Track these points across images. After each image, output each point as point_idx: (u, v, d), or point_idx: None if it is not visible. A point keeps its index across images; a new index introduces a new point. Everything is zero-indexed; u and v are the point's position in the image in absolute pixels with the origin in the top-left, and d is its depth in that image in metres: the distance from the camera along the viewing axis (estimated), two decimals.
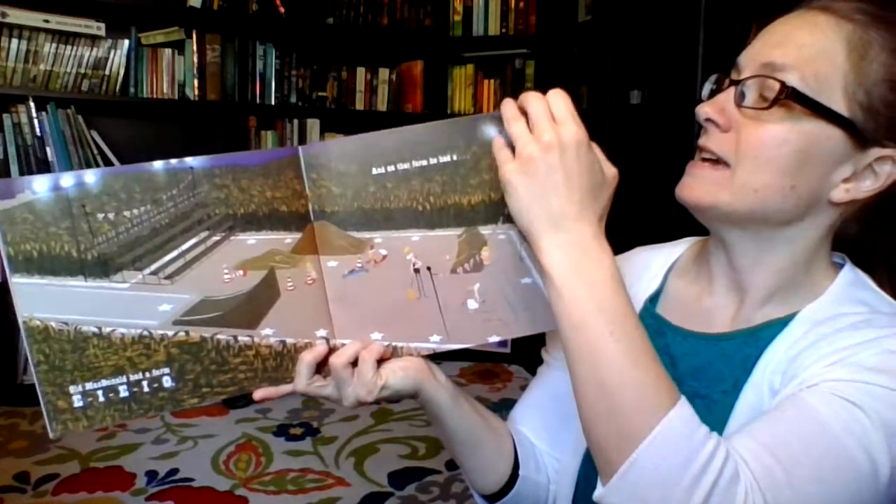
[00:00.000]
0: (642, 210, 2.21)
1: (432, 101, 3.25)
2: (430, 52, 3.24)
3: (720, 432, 0.61)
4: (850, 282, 0.64)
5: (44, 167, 2.51)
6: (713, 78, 0.66)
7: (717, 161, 0.61)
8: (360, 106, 3.14)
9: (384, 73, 3.17)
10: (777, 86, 0.57)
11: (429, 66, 3.23)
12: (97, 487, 1.96)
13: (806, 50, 0.58)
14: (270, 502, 1.92)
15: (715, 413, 0.63)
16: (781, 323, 0.63)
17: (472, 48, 3.27)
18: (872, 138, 0.58)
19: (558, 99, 0.56)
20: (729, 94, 0.61)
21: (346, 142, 0.63)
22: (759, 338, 0.64)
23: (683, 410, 0.51)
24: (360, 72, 3.13)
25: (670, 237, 0.80)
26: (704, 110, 0.62)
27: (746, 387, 0.62)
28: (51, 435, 0.59)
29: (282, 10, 2.84)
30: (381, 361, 0.65)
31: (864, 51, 0.57)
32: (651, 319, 0.72)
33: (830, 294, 0.63)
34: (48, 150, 2.51)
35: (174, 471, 2.07)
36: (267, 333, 0.63)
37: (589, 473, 0.71)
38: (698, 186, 0.62)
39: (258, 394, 0.64)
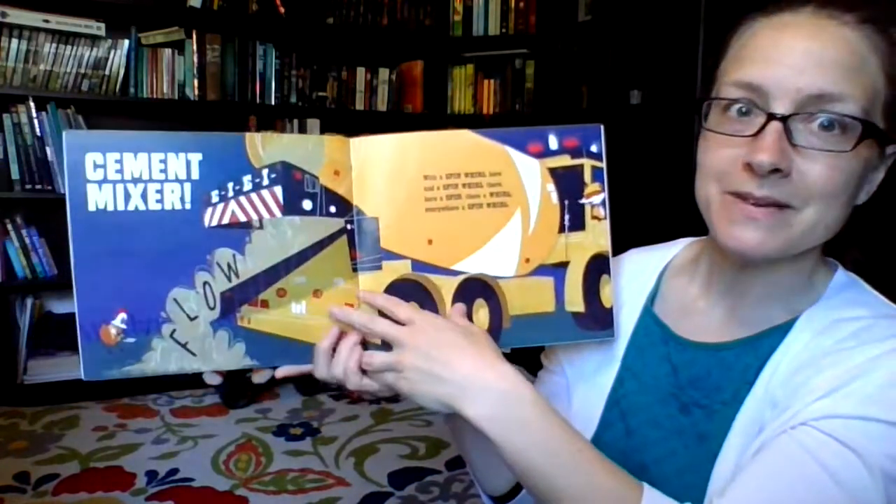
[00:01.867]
0: (641, 209, 2.20)
1: (432, 101, 3.25)
2: (430, 52, 3.24)
3: (720, 443, 0.62)
4: (846, 283, 0.64)
5: (44, 167, 2.51)
6: (707, 105, 0.61)
7: (778, 204, 0.57)
8: (360, 106, 3.14)
9: (384, 73, 3.17)
10: (853, 124, 0.54)
11: (429, 66, 3.22)
12: (97, 487, 1.96)
13: (853, 74, 0.55)
14: (270, 502, 1.92)
15: (715, 423, 0.63)
16: (780, 331, 0.62)
17: (472, 48, 3.26)
18: (890, 139, 0.58)
19: (397, 307, 0.62)
20: (777, 133, 0.55)
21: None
22: (758, 347, 0.63)
23: (650, 501, 0.55)
24: (360, 72, 3.13)
25: (669, 237, 0.80)
26: (767, 161, 0.54)
27: (748, 399, 0.61)
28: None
29: (282, 10, 2.84)
30: None
31: (893, 60, 0.56)
32: (656, 327, 0.72)
33: (828, 297, 0.63)
34: (48, 150, 2.51)
35: (174, 471, 2.07)
36: (299, 282, 0.64)
37: None
38: (764, 237, 0.57)
39: (280, 371, 0.65)
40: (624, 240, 0.82)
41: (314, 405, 2.64)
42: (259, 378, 2.65)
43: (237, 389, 2.62)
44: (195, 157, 0.61)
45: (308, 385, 2.76)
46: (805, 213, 0.56)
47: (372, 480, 2.05)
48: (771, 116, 0.55)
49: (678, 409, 0.67)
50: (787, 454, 0.54)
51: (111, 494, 1.93)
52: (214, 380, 2.62)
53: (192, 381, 2.73)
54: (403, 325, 0.62)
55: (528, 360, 3.20)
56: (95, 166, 0.60)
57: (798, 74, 0.55)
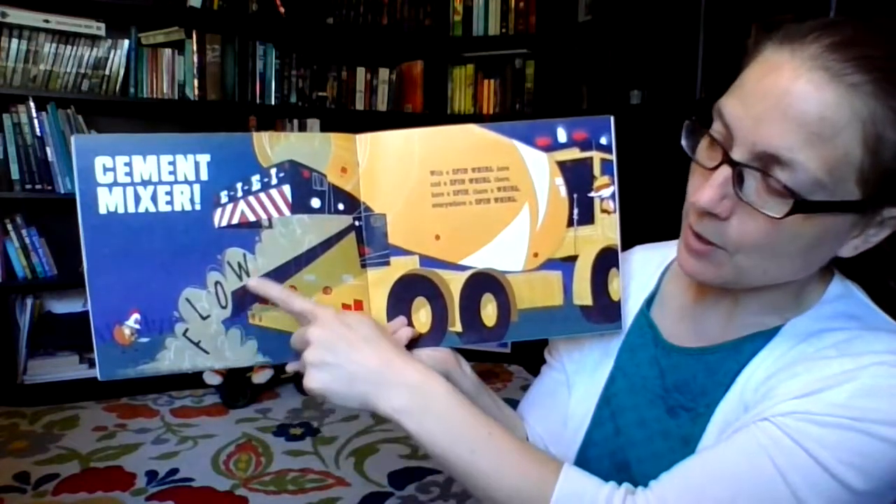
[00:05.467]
0: (642, 209, 2.20)
1: (432, 101, 3.25)
2: (430, 52, 3.24)
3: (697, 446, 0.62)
4: (839, 294, 0.62)
5: (44, 167, 2.51)
6: (689, 126, 0.60)
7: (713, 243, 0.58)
8: (360, 106, 3.14)
9: (384, 73, 3.17)
10: (785, 191, 0.51)
11: (429, 66, 3.22)
12: (97, 487, 1.96)
13: (817, 140, 0.50)
14: (270, 502, 1.92)
15: (700, 426, 0.63)
16: (764, 337, 0.62)
17: (472, 48, 3.26)
18: (884, 203, 0.54)
19: (291, 300, 0.62)
20: (725, 177, 0.54)
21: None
22: (740, 351, 0.63)
23: (567, 480, 0.56)
24: (360, 72, 3.13)
25: (669, 237, 0.80)
26: (702, 205, 0.55)
27: (722, 402, 0.61)
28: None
29: (282, 10, 2.84)
30: (409, 348, 0.66)
31: (882, 132, 0.50)
32: (648, 328, 0.72)
33: (818, 307, 0.62)
34: (48, 150, 2.51)
35: (174, 471, 2.07)
36: (309, 279, 0.65)
37: (582, 468, 0.72)
38: (701, 267, 0.60)
39: (291, 367, 0.66)
40: (624, 238, 0.82)
41: (314, 405, 2.64)
42: (259, 378, 2.65)
43: (237, 389, 2.62)
44: (203, 159, 0.62)
45: None
46: (737, 258, 0.57)
47: (372, 480, 2.05)
48: (726, 158, 0.54)
49: (665, 411, 0.67)
50: (740, 444, 0.55)
51: (111, 494, 1.93)
52: (214, 380, 2.62)
53: (192, 381, 2.73)
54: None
55: (529, 359, 3.19)
56: (105, 170, 0.60)
57: (758, 126, 0.52)
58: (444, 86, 3.30)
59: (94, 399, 2.59)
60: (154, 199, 0.61)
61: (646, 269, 0.77)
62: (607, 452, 0.70)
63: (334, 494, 1.97)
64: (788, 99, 0.51)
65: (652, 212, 2.25)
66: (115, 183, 0.61)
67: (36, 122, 2.47)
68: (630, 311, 0.74)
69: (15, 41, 2.43)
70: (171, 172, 0.61)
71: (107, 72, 2.59)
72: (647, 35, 2.53)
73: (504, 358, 3.17)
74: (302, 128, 2.99)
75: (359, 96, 3.14)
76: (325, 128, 3.03)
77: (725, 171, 0.55)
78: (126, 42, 2.60)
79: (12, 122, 2.46)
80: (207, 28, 2.73)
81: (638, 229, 0.86)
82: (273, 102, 2.90)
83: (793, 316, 0.62)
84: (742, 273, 0.58)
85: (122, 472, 2.06)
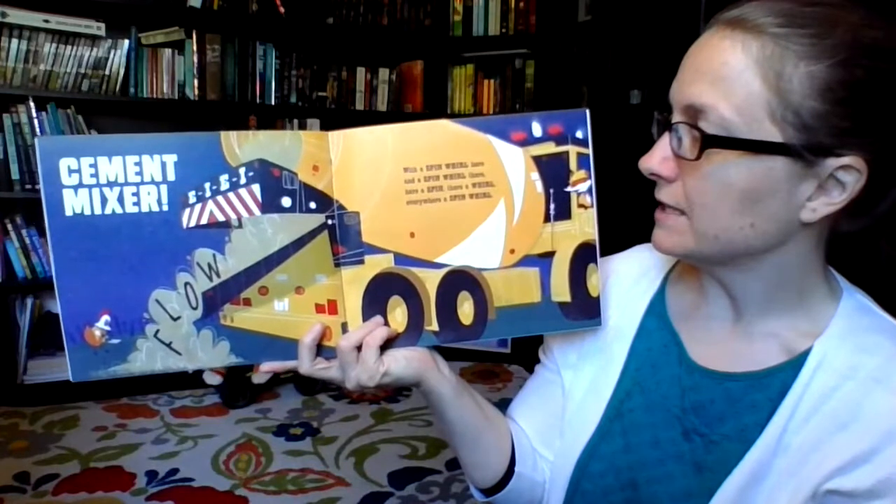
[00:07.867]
0: (641, 209, 2.20)
1: (432, 101, 3.25)
2: (430, 52, 3.24)
3: (721, 478, 0.61)
4: (856, 307, 0.61)
5: None
6: (657, 115, 0.63)
7: (674, 208, 0.60)
8: (360, 106, 3.14)
9: (384, 73, 3.17)
10: (699, 134, 0.55)
11: (429, 66, 3.23)
12: (97, 487, 1.96)
13: (720, 83, 0.54)
14: (270, 502, 1.92)
15: (715, 455, 0.62)
16: (792, 367, 0.61)
17: (472, 48, 3.26)
18: (821, 152, 0.54)
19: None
20: (665, 141, 0.59)
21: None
22: (768, 384, 0.61)
23: None
24: (360, 72, 3.13)
25: None
26: (646, 166, 0.60)
27: (759, 441, 0.60)
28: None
29: (282, 10, 2.84)
30: (385, 348, 0.66)
31: (780, 69, 0.53)
32: (675, 346, 0.69)
33: (837, 327, 0.60)
34: None
35: (174, 471, 2.07)
36: (281, 279, 0.64)
37: (581, 480, 0.71)
38: (667, 237, 0.62)
39: (264, 366, 0.65)
40: (624, 238, 0.82)
41: (314, 405, 2.64)
42: (259, 378, 2.65)
43: (237, 389, 2.62)
44: (170, 159, 0.61)
45: (308, 385, 2.76)
46: (694, 220, 0.59)
47: (372, 480, 2.05)
48: (667, 125, 0.60)
49: (681, 433, 0.66)
50: None
51: (111, 494, 1.93)
52: (214, 380, 2.62)
53: (192, 381, 2.73)
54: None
55: (529, 359, 3.19)
56: (70, 171, 0.60)
57: (682, 87, 0.58)
58: (444, 86, 3.30)
59: (94, 399, 2.59)
60: (121, 200, 0.61)
61: (648, 271, 0.75)
62: (613, 469, 0.69)
63: (334, 494, 1.97)
64: (702, 54, 0.57)
65: (651, 210, 2.25)
66: (81, 185, 0.60)
67: (36, 122, 2.47)
68: (634, 314, 0.73)
69: (15, 41, 2.43)
70: (137, 173, 0.61)
71: (107, 72, 2.59)
72: (647, 35, 2.52)
73: (504, 358, 3.17)
74: (302, 128, 2.99)
75: (359, 96, 3.14)
76: (324, 128, 3.01)
77: (664, 136, 0.60)
78: (126, 42, 2.61)
79: (12, 122, 2.46)
80: (207, 28, 2.73)
81: (639, 229, 0.86)
82: (273, 102, 2.90)
83: (810, 331, 0.61)
84: (699, 239, 0.59)
85: (122, 472, 2.06)
